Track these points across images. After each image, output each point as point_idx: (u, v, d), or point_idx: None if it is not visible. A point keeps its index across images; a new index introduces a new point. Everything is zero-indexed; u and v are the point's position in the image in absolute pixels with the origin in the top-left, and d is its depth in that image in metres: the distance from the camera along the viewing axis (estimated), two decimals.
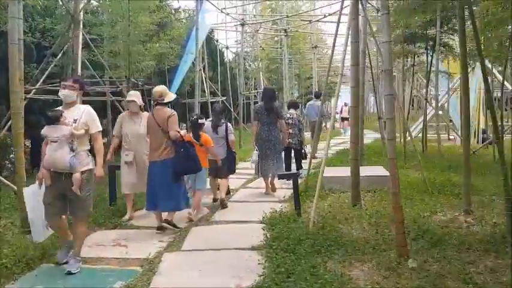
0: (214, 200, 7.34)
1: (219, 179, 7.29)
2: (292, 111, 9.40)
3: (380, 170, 8.18)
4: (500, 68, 17.16)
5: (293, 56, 25.12)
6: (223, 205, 6.98)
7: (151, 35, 9.66)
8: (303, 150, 9.37)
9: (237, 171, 8.54)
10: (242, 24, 15.85)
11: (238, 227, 5.98)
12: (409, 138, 12.44)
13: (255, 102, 22.11)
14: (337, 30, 6.75)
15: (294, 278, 3.93)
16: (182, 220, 6.15)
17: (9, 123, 6.70)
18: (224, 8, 15.47)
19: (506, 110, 17.78)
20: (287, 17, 18.57)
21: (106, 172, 5.52)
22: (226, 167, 7.15)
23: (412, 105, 20.27)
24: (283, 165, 8.31)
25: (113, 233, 5.81)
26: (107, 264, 4.72)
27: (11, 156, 8.94)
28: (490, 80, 17.14)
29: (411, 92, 15.78)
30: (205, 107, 13.69)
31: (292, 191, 7.76)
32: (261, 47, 20.97)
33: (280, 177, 6.35)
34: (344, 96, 21.85)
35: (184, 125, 12.34)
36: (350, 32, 6.16)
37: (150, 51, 9.27)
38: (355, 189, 6.50)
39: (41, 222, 4.79)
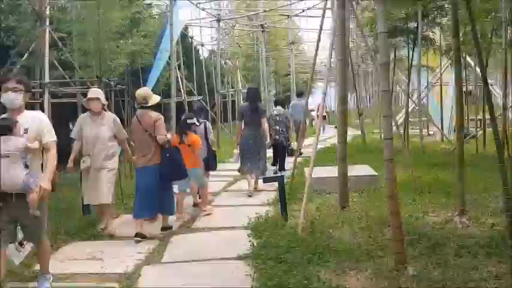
0: (195, 204, 7.06)
1: (200, 188, 6.94)
2: (279, 108, 9.52)
3: (366, 169, 7.93)
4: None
5: (270, 52, 24.83)
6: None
7: (123, 32, 9.18)
8: (289, 147, 9.41)
9: (217, 173, 8.33)
10: (218, 20, 15.43)
11: (223, 234, 5.62)
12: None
13: (233, 101, 21.77)
14: (322, 24, 6.45)
15: None
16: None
17: None
18: (199, 3, 15.02)
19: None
20: (265, 11, 18.20)
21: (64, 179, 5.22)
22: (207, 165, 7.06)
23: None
24: (267, 164, 8.27)
25: (87, 245, 5.36)
26: (81, 281, 4.32)
27: None
28: (465, 74, 17.29)
29: (392, 87, 15.65)
30: (181, 107, 13.27)
31: (276, 193, 7.51)
32: (237, 43, 20.58)
33: (266, 180, 6.03)
34: (319, 94, 21.76)
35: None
36: (335, 25, 5.86)
37: (123, 48, 8.79)
38: (344, 191, 6.21)
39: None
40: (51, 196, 4.14)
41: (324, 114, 18.31)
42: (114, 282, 4.23)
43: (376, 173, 7.62)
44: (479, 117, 15.81)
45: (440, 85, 15.60)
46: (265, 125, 7.97)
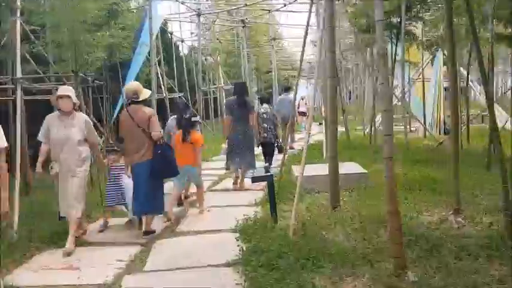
0: (179, 203, 6.81)
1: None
2: (266, 105, 9.32)
3: (354, 167, 7.71)
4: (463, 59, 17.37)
5: (251, 48, 24.48)
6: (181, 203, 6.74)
7: (100, 24, 8.74)
8: (278, 145, 9.26)
9: (201, 172, 8.02)
10: (198, 15, 15.02)
11: (209, 239, 5.30)
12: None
13: (215, 98, 21.38)
14: (309, 18, 6.18)
15: None
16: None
17: None
18: None
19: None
20: (245, 5, 17.80)
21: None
22: None
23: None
24: (254, 159, 8.14)
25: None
26: None
27: None
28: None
29: (375, 82, 15.51)
30: (163, 104, 12.86)
31: (263, 192, 7.24)
32: (217, 39, 20.18)
33: (254, 180, 5.74)
34: (300, 90, 21.34)
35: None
36: (323, 17, 5.59)
37: (100, 41, 8.35)
38: (334, 190, 5.97)
39: None
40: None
41: (305, 110, 18.16)
42: None
43: (365, 171, 7.41)
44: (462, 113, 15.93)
45: (423, 81, 15.52)
46: (255, 121, 8.00)
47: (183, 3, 15.28)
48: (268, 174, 5.62)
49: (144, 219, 5.55)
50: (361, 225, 5.07)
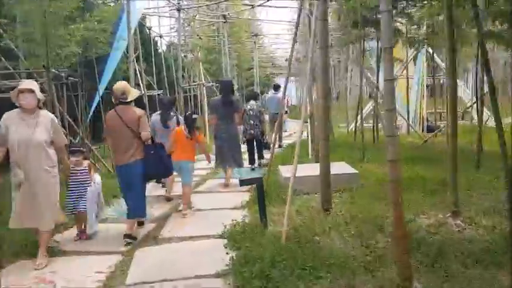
0: (168, 199, 7.05)
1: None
2: (252, 102, 9.45)
3: (344, 167, 7.43)
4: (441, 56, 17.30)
5: (232, 45, 24.06)
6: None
7: (74, 17, 8.23)
8: (264, 141, 9.46)
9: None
10: (178, 9, 14.55)
11: (195, 246, 4.93)
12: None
13: (195, 96, 20.91)
14: (299, 13, 5.86)
15: None
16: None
17: None
18: None
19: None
20: (227, 0, 17.37)
21: None
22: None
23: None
24: (241, 157, 8.19)
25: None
26: None
27: None
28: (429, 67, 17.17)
29: (360, 79, 15.33)
30: (141, 102, 12.35)
31: (250, 193, 6.92)
32: (198, 35, 19.70)
33: (242, 183, 5.39)
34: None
35: None
36: (316, 9, 5.28)
37: (74, 35, 7.85)
38: (326, 192, 5.67)
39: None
40: None
41: (287, 109, 17.95)
42: None
43: (356, 171, 7.15)
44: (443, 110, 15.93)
45: (407, 78, 15.43)
46: (240, 119, 8.02)
47: None
48: (257, 176, 5.29)
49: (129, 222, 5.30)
50: (357, 229, 4.78)
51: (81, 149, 5.47)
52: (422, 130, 16.30)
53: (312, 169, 6.82)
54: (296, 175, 6.70)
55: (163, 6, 17.47)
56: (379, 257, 4.00)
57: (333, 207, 5.67)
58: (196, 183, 8.20)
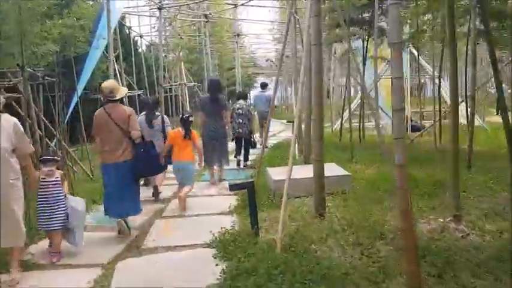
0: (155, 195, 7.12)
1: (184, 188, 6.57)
2: (241, 101, 9.56)
3: (335, 169, 7.15)
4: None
5: (214, 44, 23.67)
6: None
7: (51, 14, 7.78)
8: (252, 139, 9.65)
9: (167, 175, 7.53)
10: (159, 8, 14.12)
11: (182, 256, 4.58)
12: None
13: (175, 96, 20.48)
14: (291, 10, 5.57)
15: None
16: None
17: None
18: None
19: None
20: None
21: None
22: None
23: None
24: (228, 155, 8.33)
25: (7, 278, 4.14)
26: None
27: None
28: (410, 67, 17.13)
29: (347, 78, 15.15)
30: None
31: (237, 197, 6.60)
32: (179, 35, 19.26)
33: (232, 188, 5.07)
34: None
35: None
36: (310, 5, 5.00)
37: (51, 32, 7.40)
38: (320, 196, 5.40)
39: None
40: None
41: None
42: None
43: (349, 173, 6.89)
44: (429, 109, 15.86)
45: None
46: (228, 118, 8.07)
47: None
48: (248, 181, 4.98)
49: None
50: (355, 236, 4.51)
51: (55, 157, 4.85)
52: (407, 130, 16.20)
53: (302, 171, 6.55)
54: (284, 178, 6.47)
55: (144, 6, 16.99)
56: (382, 267, 3.73)
57: (327, 212, 5.39)
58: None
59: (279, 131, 17.93)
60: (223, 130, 8.00)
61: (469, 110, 8.78)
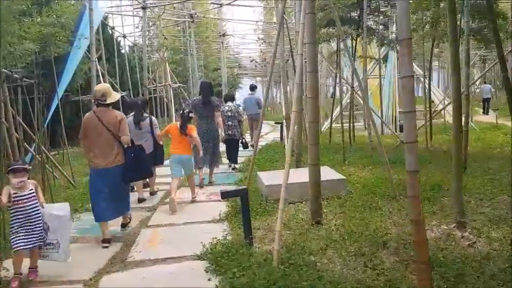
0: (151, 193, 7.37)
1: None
2: (230, 103, 9.73)
3: (329, 172, 6.89)
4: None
5: (199, 45, 23.27)
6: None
7: (30, 12, 7.37)
8: (243, 140, 9.88)
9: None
10: (143, 8, 13.74)
11: (171, 270, 4.23)
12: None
13: (160, 97, 20.07)
14: (283, 10, 5.31)
15: None
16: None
17: None
18: None
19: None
20: None
21: None
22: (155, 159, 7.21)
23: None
24: (220, 157, 8.51)
25: None
26: None
27: None
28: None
29: (336, 78, 14.95)
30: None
31: (228, 203, 6.30)
32: (163, 35, 18.87)
33: (224, 196, 4.76)
34: (246, 89, 20.50)
35: None
36: (304, 2, 4.72)
37: (30, 31, 6.98)
38: (316, 202, 5.12)
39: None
40: None
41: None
42: None
43: (344, 177, 6.63)
44: (417, 109, 15.76)
45: (380, 77, 15.14)
46: (220, 119, 8.09)
47: None
48: (241, 188, 4.67)
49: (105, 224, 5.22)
50: (356, 246, 4.24)
51: (26, 166, 4.29)
52: (396, 130, 16.08)
53: (295, 175, 6.21)
54: (278, 183, 6.16)
55: (127, 5, 16.54)
56: (389, 281, 3.46)
57: (323, 219, 5.12)
58: (165, 192, 7.51)
59: (267, 132, 17.68)
60: (215, 132, 8.04)
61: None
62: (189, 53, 19.61)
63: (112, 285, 3.99)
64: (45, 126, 9.23)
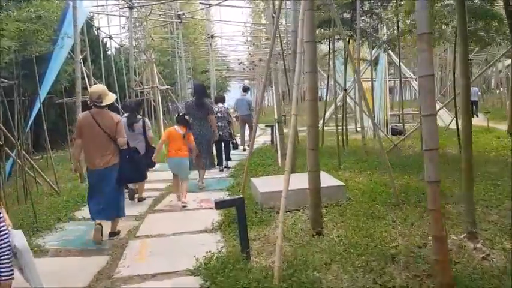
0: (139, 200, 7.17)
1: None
2: (220, 104, 9.85)
3: (327, 178, 6.55)
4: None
5: (187, 47, 22.86)
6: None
7: (7, 7, 6.95)
8: (234, 141, 10.03)
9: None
10: (130, 8, 13.34)
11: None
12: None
13: (147, 100, 19.61)
14: (279, 8, 5.01)
15: None
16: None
17: None
18: None
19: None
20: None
21: None
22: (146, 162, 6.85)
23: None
24: (215, 159, 8.71)
25: None
26: None
27: None
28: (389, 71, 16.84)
29: (328, 80, 14.71)
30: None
31: (221, 212, 5.95)
32: (150, 36, 18.45)
33: (219, 206, 4.41)
34: (234, 92, 20.13)
35: None
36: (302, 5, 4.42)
37: (7, 27, 6.55)
38: (316, 211, 4.81)
39: None
40: None
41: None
42: None
43: (343, 183, 6.33)
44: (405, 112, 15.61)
45: (371, 80, 14.93)
46: (214, 121, 8.15)
47: None
48: (236, 197, 4.34)
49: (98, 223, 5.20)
50: (362, 260, 3.93)
51: None
52: (387, 133, 15.89)
53: (290, 181, 5.94)
54: (274, 190, 5.86)
55: (114, 5, 16.09)
56: None
57: (324, 229, 4.81)
58: (154, 199, 7.16)
59: (257, 135, 17.33)
60: (209, 133, 8.09)
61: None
62: (177, 55, 19.21)
63: None
64: (28, 129, 8.80)
